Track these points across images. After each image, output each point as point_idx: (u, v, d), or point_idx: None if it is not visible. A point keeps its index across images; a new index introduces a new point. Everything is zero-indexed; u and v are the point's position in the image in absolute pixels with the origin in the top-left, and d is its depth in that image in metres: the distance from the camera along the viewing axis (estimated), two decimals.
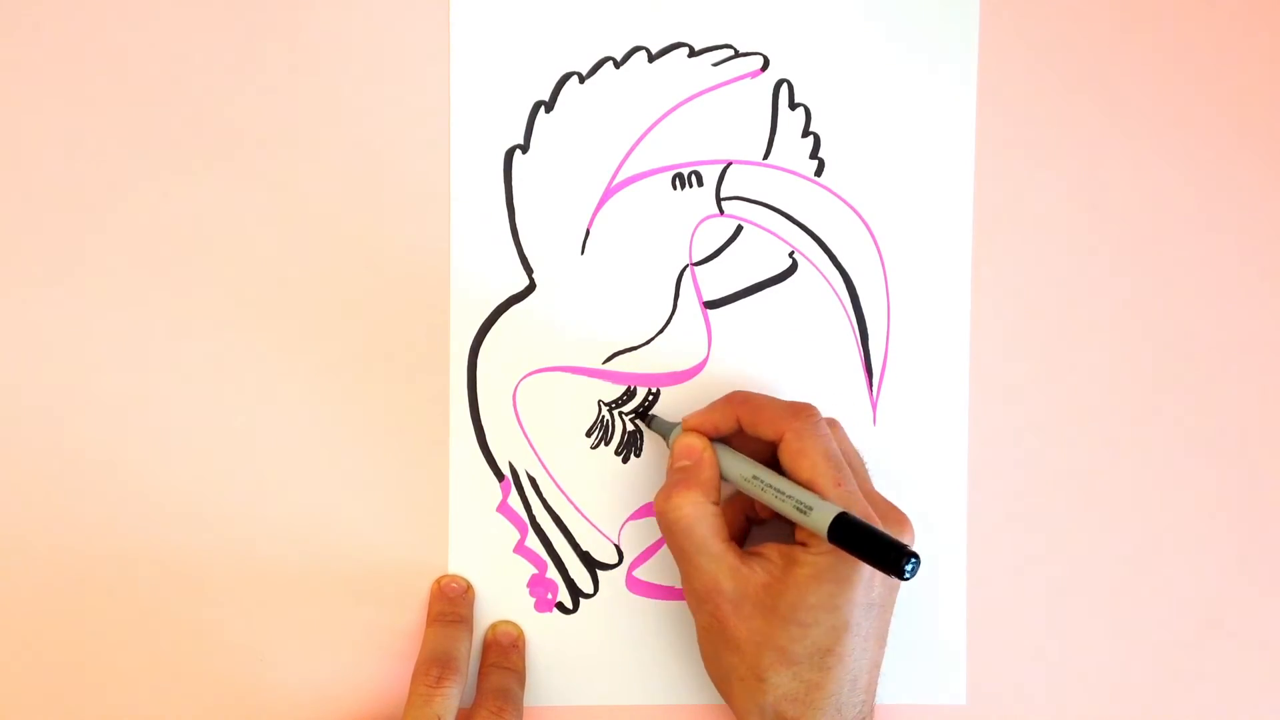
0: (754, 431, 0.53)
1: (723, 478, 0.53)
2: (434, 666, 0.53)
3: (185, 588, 0.56)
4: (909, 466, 0.57)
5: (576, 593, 0.57)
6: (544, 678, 0.57)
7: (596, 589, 0.57)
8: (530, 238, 0.56)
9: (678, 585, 0.57)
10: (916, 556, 0.47)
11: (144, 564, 0.56)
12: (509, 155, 0.56)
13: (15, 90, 0.55)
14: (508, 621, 0.57)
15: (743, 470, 0.53)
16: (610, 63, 0.56)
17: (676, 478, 0.53)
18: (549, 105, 0.56)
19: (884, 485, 0.57)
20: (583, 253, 0.57)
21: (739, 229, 0.57)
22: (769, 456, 0.53)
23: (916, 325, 0.57)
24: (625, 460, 0.57)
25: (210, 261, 0.56)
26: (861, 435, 0.57)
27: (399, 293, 0.56)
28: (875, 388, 0.58)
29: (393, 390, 0.56)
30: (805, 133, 0.57)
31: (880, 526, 0.50)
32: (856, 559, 0.49)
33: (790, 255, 0.57)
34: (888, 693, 0.58)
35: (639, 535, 0.57)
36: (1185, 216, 0.58)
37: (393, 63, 0.56)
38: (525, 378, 0.57)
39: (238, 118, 0.56)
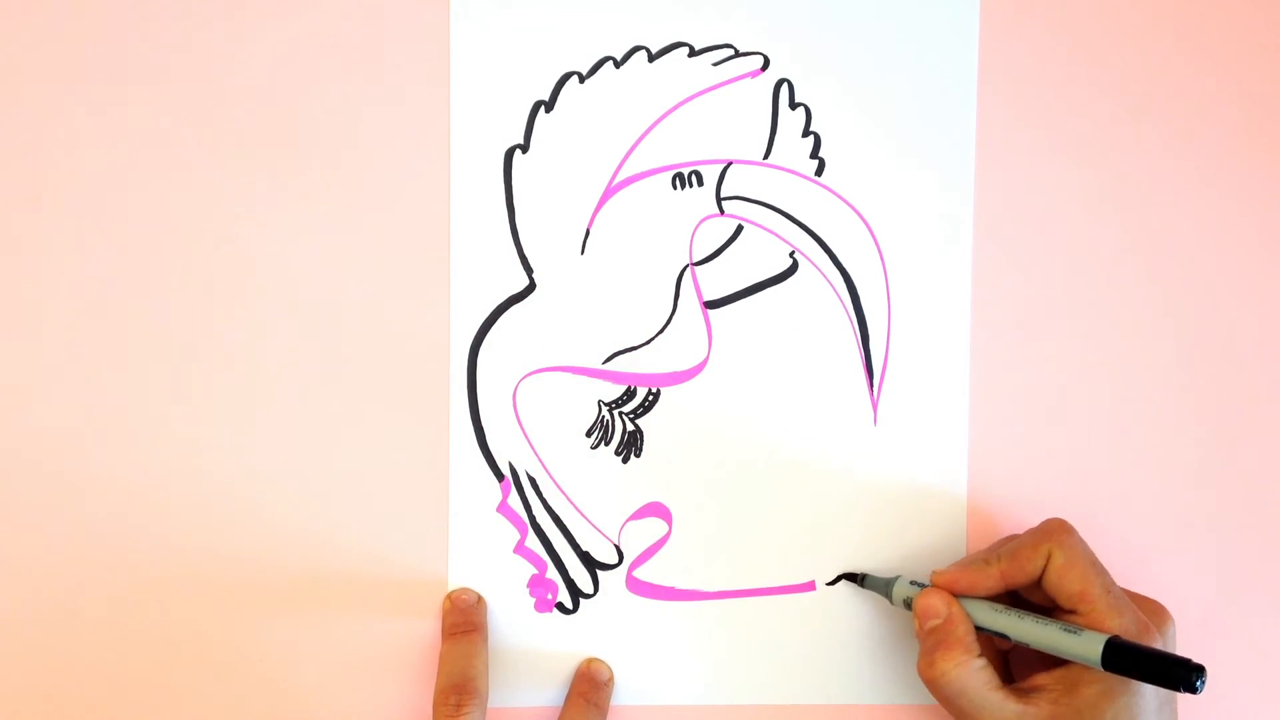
0: (1021, 577, 0.52)
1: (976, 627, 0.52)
2: (451, 694, 0.53)
3: (186, 585, 0.56)
4: (909, 466, 0.57)
5: (576, 593, 0.57)
6: (544, 678, 0.57)
7: (597, 589, 0.57)
8: (530, 238, 0.56)
9: (678, 585, 0.57)
10: (1203, 669, 0.46)
11: (145, 560, 0.56)
12: (509, 155, 0.56)
13: (13, 90, 0.55)
14: (603, 661, 0.57)
15: (991, 614, 0.52)
16: (610, 63, 0.56)
17: (932, 641, 0.52)
18: (549, 105, 0.56)
19: (884, 485, 0.57)
20: (583, 253, 0.57)
21: (739, 229, 0.57)
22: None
23: (917, 325, 0.57)
24: (625, 460, 0.57)
25: (209, 262, 0.56)
26: (861, 435, 0.57)
27: (399, 293, 0.56)
28: (875, 388, 0.58)
29: (393, 390, 0.56)
30: (805, 132, 0.57)
31: (1151, 627, 0.50)
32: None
33: (790, 255, 0.57)
34: (887, 693, 0.58)
35: (639, 535, 0.57)
36: (1186, 215, 0.58)
37: (393, 63, 0.56)
38: (525, 378, 0.57)
39: (238, 117, 0.56)
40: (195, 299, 0.56)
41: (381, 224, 0.56)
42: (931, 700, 0.57)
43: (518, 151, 0.56)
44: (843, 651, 0.58)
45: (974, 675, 0.51)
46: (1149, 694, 0.50)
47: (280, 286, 0.56)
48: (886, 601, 0.57)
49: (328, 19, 0.56)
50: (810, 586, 0.58)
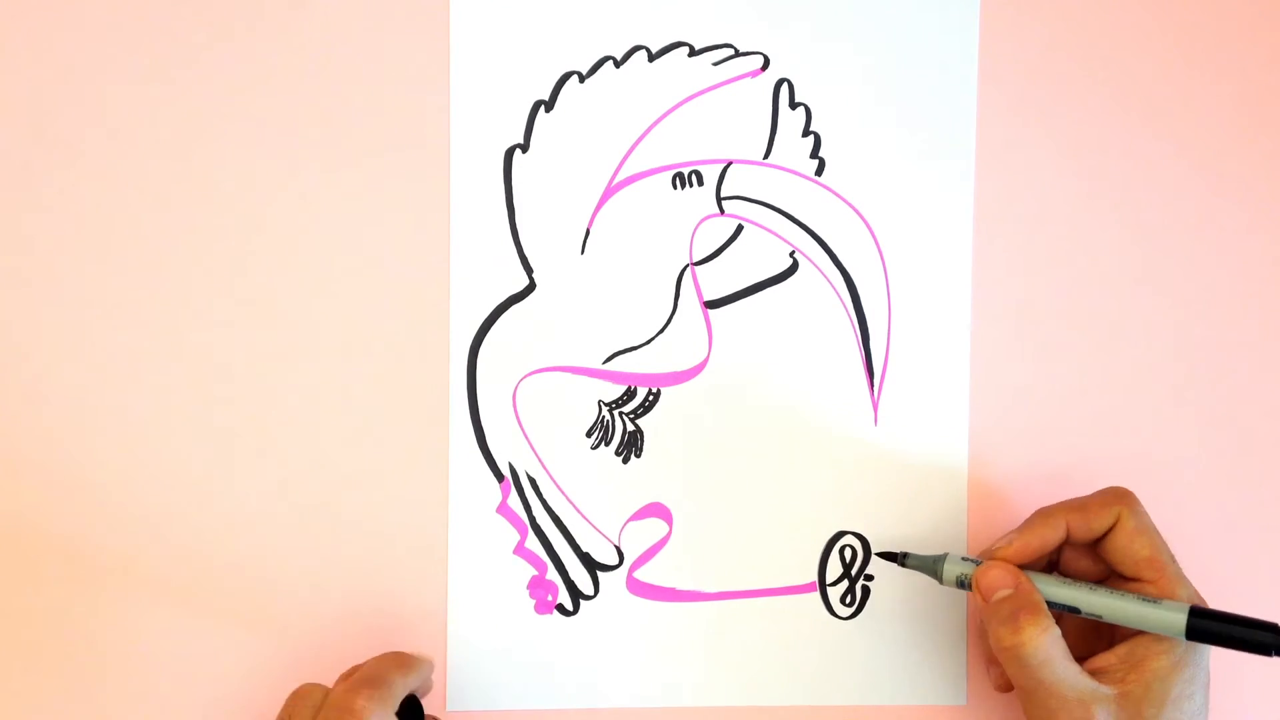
0: (1084, 532, 0.51)
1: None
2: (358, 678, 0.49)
3: (187, 584, 0.56)
4: (909, 466, 0.57)
5: (577, 594, 0.57)
6: (544, 680, 0.57)
7: (597, 590, 0.57)
8: (530, 238, 0.56)
9: (679, 586, 0.57)
10: None
11: (141, 561, 0.55)
12: (509, 155, 0.56)
13: (17, 89, 0.55)
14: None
15: (1060, 588, 0.51)
16: (610, 62, 0.56)
17: (1010, 608, 0.50)
18: (549, 105, 0.56)
19: (884, 486, 0.57)
20: (583, 253, 0.57)
21: (739, 229, 0.57)
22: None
23: (917, 325, 0.57)
24: (625, 460, 0.57)
25: (209, 261, 0.56)
26: (861, 435, 0.57)
27: (399, 293, 0.56)
28: (875, 388, 0.58)
29: (392, 390, 0.56)
30: (805, 132, 0.57)
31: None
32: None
33: (791, 255, 0.57)
34: (888, 693, 0.57)
35: (639, 536, 0.57)
36: (1186, 214, 0.58)
37: (393, 63, 0.56)
38: (525, 378, 0.57)
39: (238, 117, 0.55)
40: (194, 299, 0.56)
41: (381, 224, 0.56)
42: (929, 702, 0.57)
43: (518, 151, 0.56)
44: (844, 652, 0.57)
45: (1056, 644, 0.49)
46: (1205, 664, 0.50)
47: (280, 286, 0.56)
48: (886, 602, 0.57)
49: (328, 19, 0.56)
50: (811, 587, 0.57)
